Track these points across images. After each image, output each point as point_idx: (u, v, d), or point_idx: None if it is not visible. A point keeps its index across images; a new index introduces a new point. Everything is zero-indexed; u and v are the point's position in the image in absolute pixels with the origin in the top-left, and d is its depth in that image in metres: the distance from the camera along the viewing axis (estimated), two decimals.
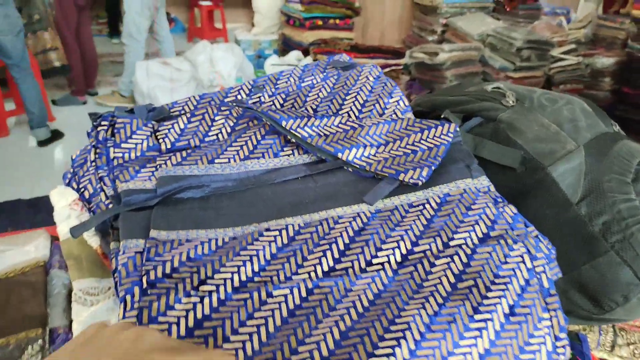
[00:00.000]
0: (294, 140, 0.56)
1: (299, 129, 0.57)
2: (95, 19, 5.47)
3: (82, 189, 0.57)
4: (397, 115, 0.61)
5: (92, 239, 0.55)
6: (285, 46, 3.65)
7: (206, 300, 0.39)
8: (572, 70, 3.31)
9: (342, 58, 0.72)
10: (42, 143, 2.97)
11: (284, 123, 0.57)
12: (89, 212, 0.57)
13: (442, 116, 0.68)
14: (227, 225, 0.47)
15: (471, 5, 3.66)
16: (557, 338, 0.42)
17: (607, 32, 3.91)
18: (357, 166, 0.54)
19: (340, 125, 0.58)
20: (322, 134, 0.57)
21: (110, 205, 0.52)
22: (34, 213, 2.31)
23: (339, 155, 0.55)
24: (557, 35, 3.41)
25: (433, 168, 0.52)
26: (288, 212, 0.48)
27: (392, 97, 0.62)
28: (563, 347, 0.41)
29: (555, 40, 3.26)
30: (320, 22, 3.36)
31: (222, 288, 0.40)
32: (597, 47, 3.86)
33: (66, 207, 0.60)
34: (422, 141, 0.56)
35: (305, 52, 3.28)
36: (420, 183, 0.51)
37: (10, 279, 0.53)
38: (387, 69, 3.05)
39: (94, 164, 0.56)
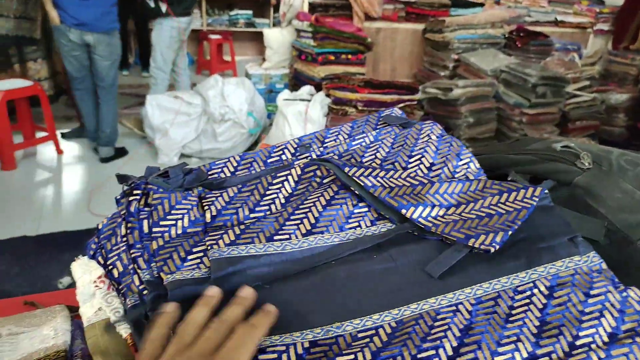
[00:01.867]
0: (356, 190, 0.51)
1: (362, 177, 0.51)
2: None
3: (110, 266, 0.50)
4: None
5: (121, 325, 0.48)
6: (297, 81, 3.63)
7: None
8: (588, 106, 3.27)
9: (394, 113, 0.66)
10: (105, 160, 3.18)
11: (346, 169, 0.52)
12: (117, 294, 0.50)
13: (508, 178, 0.61)
14: (303, 327, 0.40)
15: (483, 41, 3.65)
16: None
17: (619, 67, 3.90)
18: (422, 226, 0.48)
19: (408, 179, 0.52)
20: (387, 185, 0.52)
21: (145, 292, 0.45)
22: (40, 251, 2.23)
23: (403, 211, 0.49)
24: (570, 71, 3.38)
25: (510, 233, 0.46)
26: (371, 304, 0.42)
27: (461, 159, 0.56)
28: None
29: (569, 77, 3.23)
30: (332, 57, 3.34)
31: None
32: (608, 82, 3.85)
33: (90, 284, 0.53)
34: (499, 204, 0.49)
35: (318, 87, 3.25)
36: (492, 250, 0.44)
37: None
38: (401, 105, 3.01)
39: (124, 239, 0.49)
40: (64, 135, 3.47)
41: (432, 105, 3.28)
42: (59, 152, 3.23)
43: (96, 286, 0.52)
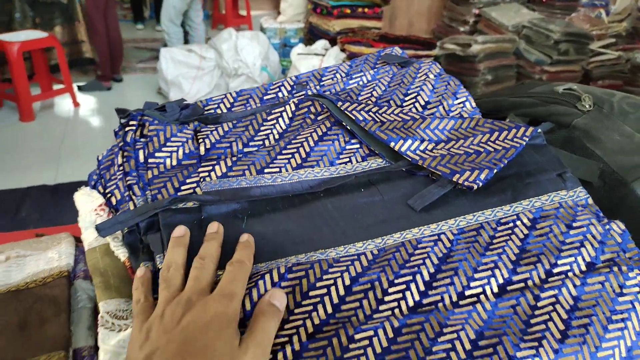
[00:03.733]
0: (348, 125, 0.52)
1: (354, 112, 0.52)
2: (119, 4, 5.42)
3: (109, 194, 0.52)
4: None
5: (119, 250, 0.50)
6: (312, 35, 3.57)
7: (279, 355, 0.34)
8: (612, 65, 3.16)
9: (394, 52, 0.65)
10: None
11: (339, 104, 0.53)
12: None
13: (507, 120, 0.60)
14: (288, 254, 0.41)
15: None
16: None
17: None
18: (410, 159, 0.48)
19: (400, 114, 0.52)
20: (378, 120, 0.52)
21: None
22: (58, 199, 2.30)
23: (392, 144, 0.49)
24: (596, 28, 3.25)
25: (495, 171, 0.45)
26: (356, 234, 0.42)
27: (457, 98, 0.56)
28: None
29: (594, 34, 3.11)
30: (348, 11, 3.26)
31: (295, 338, 0.35)
32: (636, 40, 3.69)
33: (92, 212, 0.55)
34: (489, 142, 0.49)
35: (332, 42, 3.20)
36: (475, 187, 0.44)
37: (31, 291, 0.48)
38: None
39: (121, 168, 0.51)
40: (80, 88, 3.50)
41: (449, 62, 3.20)
42: (76, 104, 3.27)
43: (97, 214, 0.54)
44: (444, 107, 0.55)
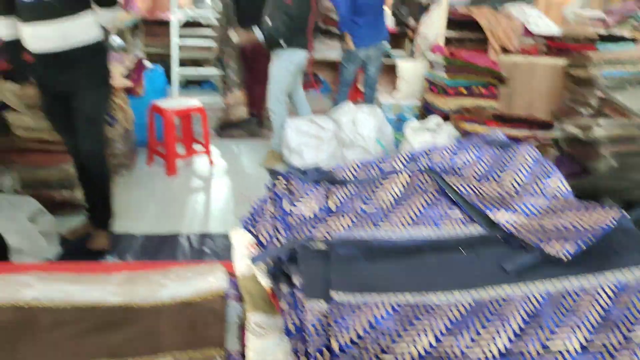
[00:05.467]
0: (452, 195, 0.62)
1: (457, 184, 0.62)
2: None
3: (259, 235, 0.67)
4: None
5: (263, 279, 0.64)
6: (426, 111, 3.72)
7: None
8: None
9: (497, 136, 0.75)
10: None
11: (445, 177, 0.63)
12: None
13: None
14: (399, 290, 0.52)
15: (634, 78, 3.38)
16: None
17: None
18: (505, 229, 0.57)
19: (497, 189, 0.62)
20: (478, 192, 0.62)
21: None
22: (190, 248, 2.60)
23: (488, 213, 0.58)
24: None
25: (583, 247, 0.52)
26: (453, 284, 0.52)
27: (550, 178, 0.64)
28: None
29: None
30: (464, 90, 3.38)
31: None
32: None
33: (244, 248, 0.71)
34: (578, 221, 0.56)
35: (445, 117, 3.31)
36: (563, 257, 0.51)
37: (198, 303, 0.64)
38: (535, 144, 2.93)
39: (270, 214, 0.66)
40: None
41: (570, 144, 3.12)
42: (211, 163, 3.74)
43: (248, 250, 0.70)
44: (538, 186, 0.64)
